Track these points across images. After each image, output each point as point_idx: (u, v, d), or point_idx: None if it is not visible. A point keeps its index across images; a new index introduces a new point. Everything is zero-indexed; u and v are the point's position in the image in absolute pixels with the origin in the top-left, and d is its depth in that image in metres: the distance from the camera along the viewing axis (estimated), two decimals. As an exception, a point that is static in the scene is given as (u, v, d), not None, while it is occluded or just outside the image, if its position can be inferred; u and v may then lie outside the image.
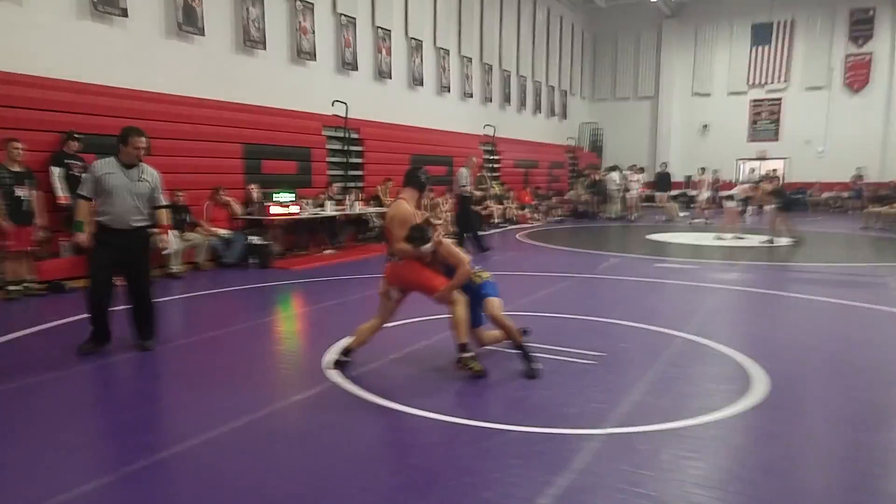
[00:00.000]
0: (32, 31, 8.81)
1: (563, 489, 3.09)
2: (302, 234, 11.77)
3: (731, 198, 14.93)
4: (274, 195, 10.45)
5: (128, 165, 5.23)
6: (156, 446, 3.55)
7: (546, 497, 3.02)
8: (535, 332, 6.01)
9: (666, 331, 6.16)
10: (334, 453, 3.49)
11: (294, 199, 10.75)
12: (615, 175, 20.64)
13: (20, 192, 7.31)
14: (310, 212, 11.28)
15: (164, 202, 5.54)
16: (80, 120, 8.74)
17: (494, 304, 4.92)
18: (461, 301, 4.85)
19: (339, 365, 4.93)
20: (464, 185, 12.05)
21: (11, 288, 7.41)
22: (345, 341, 5.58)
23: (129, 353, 5.32)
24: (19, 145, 7.40)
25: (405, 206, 5.06)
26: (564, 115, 26.50)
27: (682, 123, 27.09)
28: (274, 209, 10.38)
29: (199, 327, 6.62)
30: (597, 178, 21.07)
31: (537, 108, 24.35)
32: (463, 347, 4.79)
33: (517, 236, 15.43)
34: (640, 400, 4.33)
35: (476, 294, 4.97)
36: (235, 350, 5.72)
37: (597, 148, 27.74)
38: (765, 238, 13.39)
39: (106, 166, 5.20)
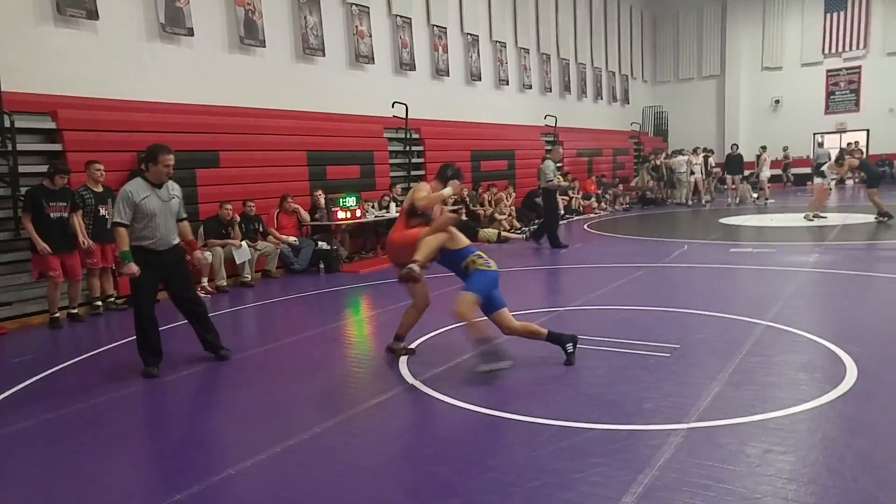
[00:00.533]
0: (107, 55, 9.25)
1: (647, 487, 3.03)
2: (368, 236, 11.93)
3: (821, 174, 14.11)
4: (339, 200, 10.62)
5: (157, 185, 5.20)
6: (239, 456, 3.66)
7: (630, 496, 2.96)
8: (605, 326, 5.93)
9: (745, 319, 5.94)
10: (415, 456, 3.52)
11: (357, 202, 10.90)
12: (681, 159, 20.07)
13: (103, 211, 7.69)
14: (374, 214, 11.42)
15: (185, 215, 5.54)
16: (154, 138, 9.07)
17: (466, 298, 4.65)
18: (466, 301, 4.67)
19: (390, 351, 5.21)
20: (551, 179, 11.63)
21: (96, 304, 7.80)
22: (416, 342, 5.66)
23: (203, 365, 5.51)
24: (100, 167, 7.77)
25: (424, 184, 5.52)
26: (627, 100, 25.87)
27: (750, 101, 26.02)
28: (340, 214, 10.56)
29: (274, 335, 6.81)
30: (658, 162, 20.53)
31: (598, 94, 23.87)
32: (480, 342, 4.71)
33: (584, 227, 15.20)
34: (721, 392, 4.19)
35: (465, 279, 4.83)
36: (311, 356, 5.86)
37: (661, 132, 26.94)
38: (876, 215, 12.56)
39: (141, 190, 5.11)
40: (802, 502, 2.85)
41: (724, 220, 14.63)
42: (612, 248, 11.44)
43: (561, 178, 17.93)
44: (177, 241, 5.40)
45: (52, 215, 7.10)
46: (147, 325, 5.30)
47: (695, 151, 20.57)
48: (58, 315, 7.29)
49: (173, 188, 5.38)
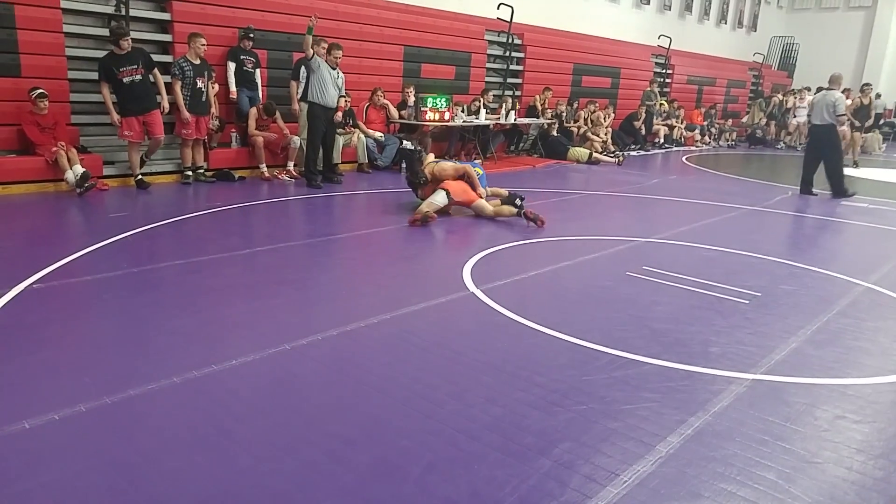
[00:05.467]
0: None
1: (697, 430, 2.90)
2: (453, 141, 11.75)
3: None
4: (428, 100, 10.40)
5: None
6: (296, 334, 3.75)
7: (677, 436, 2.84)
8: (685, 264, 5.66)
9: (844, 277, 5.51)
10: (465, 360, 3.51)
11: (447, 104, 10.65)
12: (791, 100, 18.42)
13: (200, 83, 7.82)
14: (462, 119, 11.16)
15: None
16: (256, 17, 9.12)
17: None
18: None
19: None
20: (841, 114, 9.71)
21: (187, 173, 8.09)
22: (485, 252, 5.60)
23: (283, 244, 5.65)
24: (204, 41, 7.85)
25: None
26: (754, 27, 23.66)
27: (902, 42, 23.01)
28: (428, 115, 10.37)
29: (351, 224, 6.90)
30: (778, 99, 18.96)
31: (722, 17, 21.96)
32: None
33: (682, 159, 14.43)
34: (798, 348, 3.93)
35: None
36: (381, 250, 5.93)
37: (788, 66, 24.51)
38: None
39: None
40: (868, 475, 2.66)
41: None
42: (708, 185, 10.82)
43: (664, 103, 16.92)
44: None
45: (124, 80, 7.23)
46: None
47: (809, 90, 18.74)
48: (141, 176, 7.63)
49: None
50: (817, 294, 5.05)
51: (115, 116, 7.27)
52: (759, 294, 4.91)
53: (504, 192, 7.36)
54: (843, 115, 9.72)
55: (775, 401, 3.24)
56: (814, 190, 9.94)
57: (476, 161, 7.82)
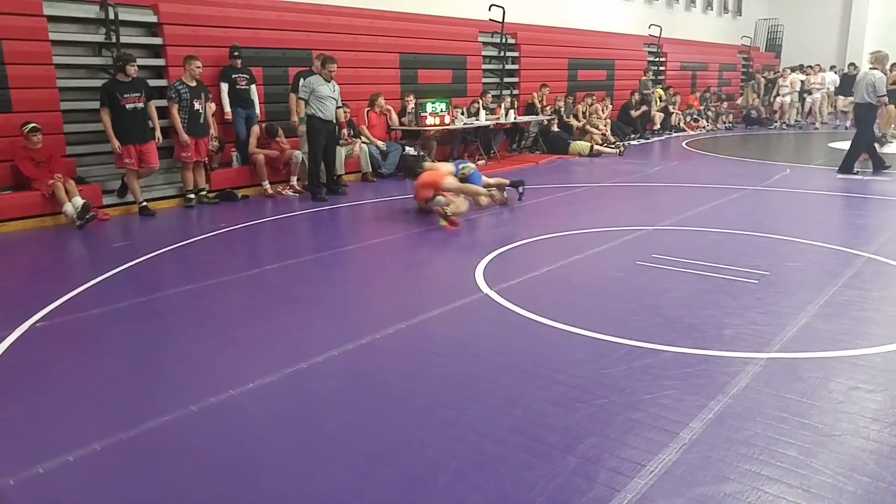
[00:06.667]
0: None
1: (718, 414, 2.94)
2: (455, 144, 11.80)
3: None
4: (428, 105, 10.46)
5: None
6: (312, 350, 3.80)
7: (699, 421, 2.89)
8: (693, 248, 5.70)
9: (846, 249, 5.56)
10: (483, 363, 3.55)
11: (447, 108, 10.70)
12: (796, 77, 18.43)
13: (197, 105, 7.86)
14: (462, 121, 11.22)
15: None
16: (248, 35, 9.18)
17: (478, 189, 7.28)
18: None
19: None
20: (882, 95, 9.52)
21: (189, 196, 8.11)
22: (496, 253, 5.65)
23: (291, 260, 5.72)
24: (199, 63, 7.86)
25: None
26: (739, 12, 23.76)
27: (881, 16, 23.21)
28: (429, 120, 10.42)
29: (359, 235, 6.95)
30: (768, 77, 19.00)
31: (709, 4, 22.08)
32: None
33: (682, 144, 14.46)
34: (808, 324, 3.98)
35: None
36: (391, 258, 5.98)
37: (775, 47, 24.71)
38: None
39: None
40: (885, 443, 2.70)
41: (834, 145, 13.51)
42: (709, 168, 10.86)
43: (659, 91, 16.96)
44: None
45: (126, 106, 7.24)
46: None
47: (808, 70, 18.77)
48: (145, 203, 7.66)
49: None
50: (822, 268, 5.10)
51: (116, 143, 7.23)
52: (767, 273, 4.95)
53: (505, 181, 7.84)
54: (884, 95, 9.63)
55: (790, 377, 3.29)
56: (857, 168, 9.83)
57: (466, 160, 8.07)
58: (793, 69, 19.03)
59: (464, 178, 7.37)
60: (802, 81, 18.38)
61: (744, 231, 6.31)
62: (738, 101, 20.02)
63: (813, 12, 24.32)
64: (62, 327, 4.19)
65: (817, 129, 17.68)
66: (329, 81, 8.34)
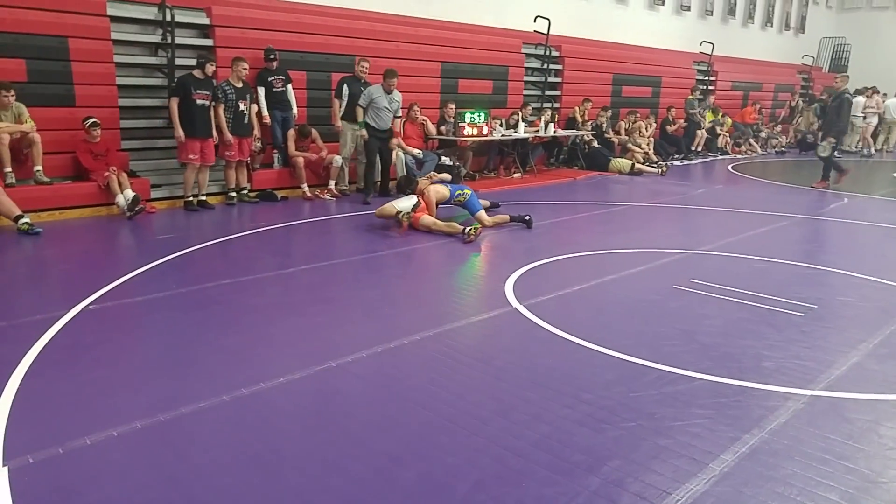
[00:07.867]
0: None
1: (752, 448, 2.79)
2: (492, 155, 11.71)
3: None
4: (467, 115, 10.39)
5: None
6: (341, 351, 3.75)
7: (731, 454, 2.75)
8: (733, 275, 5.51)
9: (905, 286, 5.29)
10: (509, 377, 3.47)
11: (486, 119, 10.63)
12: (860, 100, 17.29)
13: (242, 106, 7.98)
14: (501, 133, 11.12)
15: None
16: (293, 39, 9.27)
17: (480, 214, 7.22)
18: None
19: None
20: None
21: (231, 194, 8.24)
22: (527, 267, 5.55)
23: (322, 263, 5.70)
24: (246, 65, 8.01)
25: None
26: (802, 29, 22.93)
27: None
28: (467, 130, 10.36)
29: (392, 241, 6.91)
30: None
31: (768, 20, 21.39)
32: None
33: (729, 168, 14.09)
34: (859, 362, 3.77)
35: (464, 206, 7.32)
36: (423, 266, 5.94)
37: (840, 68, 23.57)
38: None
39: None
40: (936, 495, 2.52)
41: (897, 175, 13.02)
42: (757, 194, 10.54)
43: (709, 115, 16.57)
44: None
45: (197, 101, 7.53)
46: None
47: (870, 94, 18.02)
48: (192, 199, 7.83)
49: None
50: (878, 305, 4.84)
51: (181, 132, 7.52)
52: (814, 306, 4.74)
53: (505, 217, 7.41)
54: None
55: (836, 418, 3.11)
56: None
57: (464, 185, 7.76)
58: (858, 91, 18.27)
59: (460, 203, 7.29)
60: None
61: (791, 261, 6.08)
62: (796, 123, 19.25)
63: (885, 33, 23.07)
64: (111, 311, 4.39)
65: (872, 156, 17.06)
66: (390, 93, 8.61)
